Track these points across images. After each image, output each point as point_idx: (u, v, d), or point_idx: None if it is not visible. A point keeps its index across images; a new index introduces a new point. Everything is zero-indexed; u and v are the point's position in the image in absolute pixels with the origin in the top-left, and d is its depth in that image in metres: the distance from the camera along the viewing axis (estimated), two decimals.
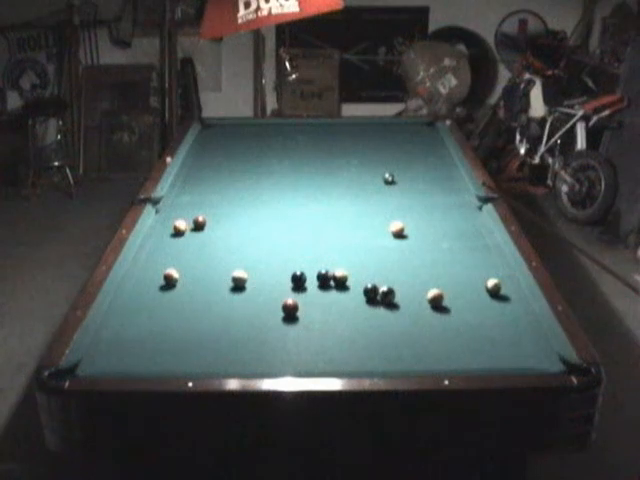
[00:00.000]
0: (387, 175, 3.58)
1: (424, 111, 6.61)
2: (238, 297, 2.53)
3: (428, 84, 6.75)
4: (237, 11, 4.57)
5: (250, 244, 2.95)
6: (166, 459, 2.20)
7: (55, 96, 6.77)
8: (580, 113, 5.58)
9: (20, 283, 4.68)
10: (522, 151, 6.10)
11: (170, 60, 6.03)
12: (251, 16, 4.59)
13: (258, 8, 4.57)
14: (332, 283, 2.57)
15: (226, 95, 6.99)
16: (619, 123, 5.41)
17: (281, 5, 4.58)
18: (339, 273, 2.58)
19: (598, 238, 5.28)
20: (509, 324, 2.35)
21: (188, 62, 6.81)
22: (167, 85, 6.09)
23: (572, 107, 5.70)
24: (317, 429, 2.05)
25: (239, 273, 2.59)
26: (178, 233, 3.03)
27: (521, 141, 6.12)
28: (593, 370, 2.05)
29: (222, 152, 4.08)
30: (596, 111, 5.50)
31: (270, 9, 4.57)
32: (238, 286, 2.57)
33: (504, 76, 6.96)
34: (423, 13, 7.05)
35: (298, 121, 5.19)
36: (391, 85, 7.15)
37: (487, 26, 6.99)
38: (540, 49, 6.40)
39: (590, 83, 6.18)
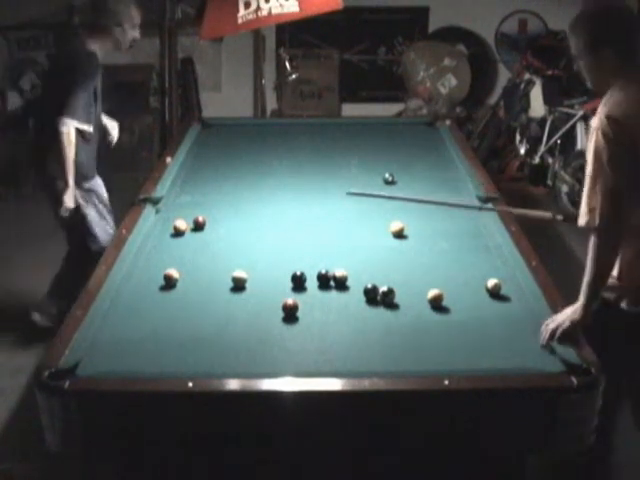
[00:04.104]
0: (387, 175, 3.58)
1: (424, 111, 6.60)
2: (238, 297, 2.53)
3: (428, 84, 6.76)
4: (237, 11, 4.58)
5: (250, 244, 2.95)
6: (166, 459, 2.20)
7: None
8: (580, 113, 5.57)
9: (20, 283, 4.67)
10: (522, 151, 6.09)
11: (170, 60, 6.01)
12: (251, 16, 4.59)
13: (258, 8, 4.56)
14: (332, 283, 2.58)
15: (226, 95, 6.98)
16: None
17: (281, 5, 4.58)
18: (339, 273, 2.58)
19: None
20: (509, 324, 2.35)
21: (188, 62, 6.80)
22: (167, 85, 6.07)
23: (572, 107, 5.69)
24: (317, 429, 2.05)
25: (239, 273, 2.59)
26: (178, 233, 3.03)
27: (521, 141, 6.12)
28: (593, 370, 2.05)
29: (222, 152, 4.08)
30: (596, 111, 5.49)
31: (270, 9, 4.57)
32: (238, 286, 2.57)
33: (504, 76, 6.96)
34: (423, 13, 7.06)
35: (298, 121, 5.19)
36: (391, 85, 7.14)
37: (487, 26, 6.99)
38: (540, 49, 6.40)
39: None
